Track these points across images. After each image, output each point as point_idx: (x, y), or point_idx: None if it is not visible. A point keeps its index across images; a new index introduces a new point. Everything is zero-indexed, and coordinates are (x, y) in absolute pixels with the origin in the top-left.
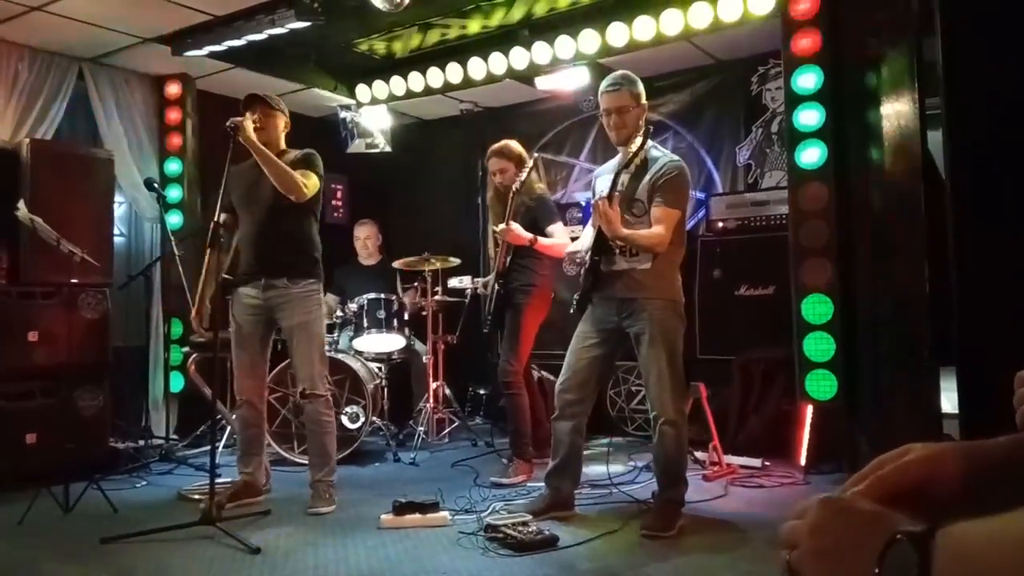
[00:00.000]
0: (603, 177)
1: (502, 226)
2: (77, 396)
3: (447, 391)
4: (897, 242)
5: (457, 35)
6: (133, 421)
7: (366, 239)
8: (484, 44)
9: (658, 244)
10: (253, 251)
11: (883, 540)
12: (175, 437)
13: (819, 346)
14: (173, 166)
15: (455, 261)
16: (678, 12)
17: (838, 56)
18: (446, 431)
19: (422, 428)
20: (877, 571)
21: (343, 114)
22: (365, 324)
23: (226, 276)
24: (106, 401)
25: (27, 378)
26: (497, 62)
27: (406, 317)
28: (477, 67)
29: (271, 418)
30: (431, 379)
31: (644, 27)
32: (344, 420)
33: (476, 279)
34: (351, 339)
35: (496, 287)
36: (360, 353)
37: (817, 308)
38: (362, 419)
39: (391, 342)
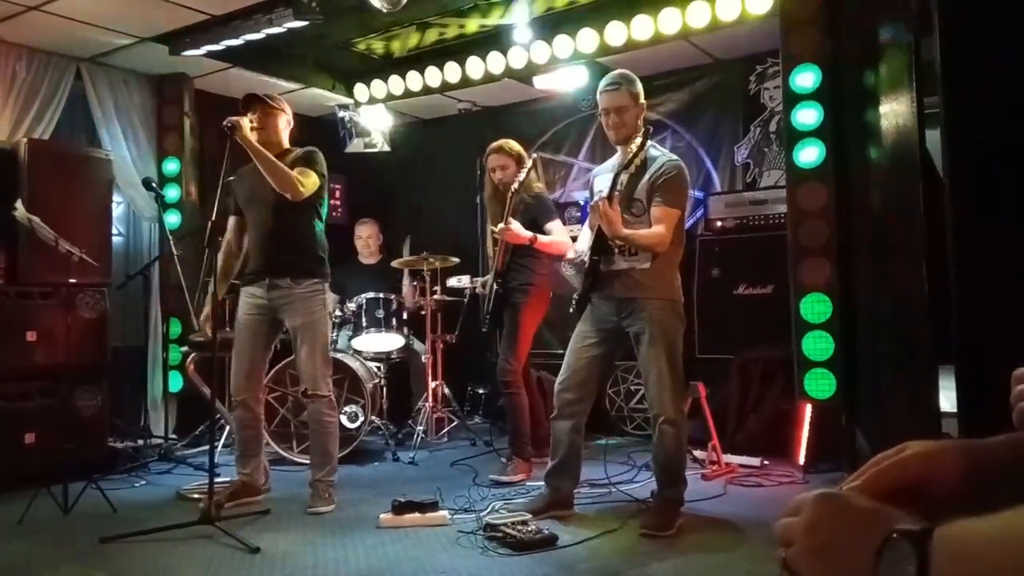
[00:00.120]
0: (602, 177)
1: (501, 226)
2: (76, 396)
3: (446, 390)
4: (896, 241)
5: (455, 34)
6: (132, 421)
7: (368, 238)
8: (482, 43)
9: (659, 244)
10: (258, 251)
11: (880, 537)
12: (174, 437)
13: (818, 345)
14: (171, 166)
15: (454, 260)
16: (676, 11)
17: (836, 55)
18: (445, 430)
19: (421, 427)
20: (875, 570)
21: (341, 114)
22: (364, 323)
23: (234, 281)
24: (105, 401)
25: (26, 378)
26: (495, 61)
27: (405, 316)
28: (475, 66)
29: (270, 417)
30: (430, 378)
31: (642, 26)
32: (343, 419)
33: (475, 278)
34: (350, 338)
35: (495, 286)
36: (359, 352)
37: (816, 307)
38: (361, 418)
39: (390, 341)
